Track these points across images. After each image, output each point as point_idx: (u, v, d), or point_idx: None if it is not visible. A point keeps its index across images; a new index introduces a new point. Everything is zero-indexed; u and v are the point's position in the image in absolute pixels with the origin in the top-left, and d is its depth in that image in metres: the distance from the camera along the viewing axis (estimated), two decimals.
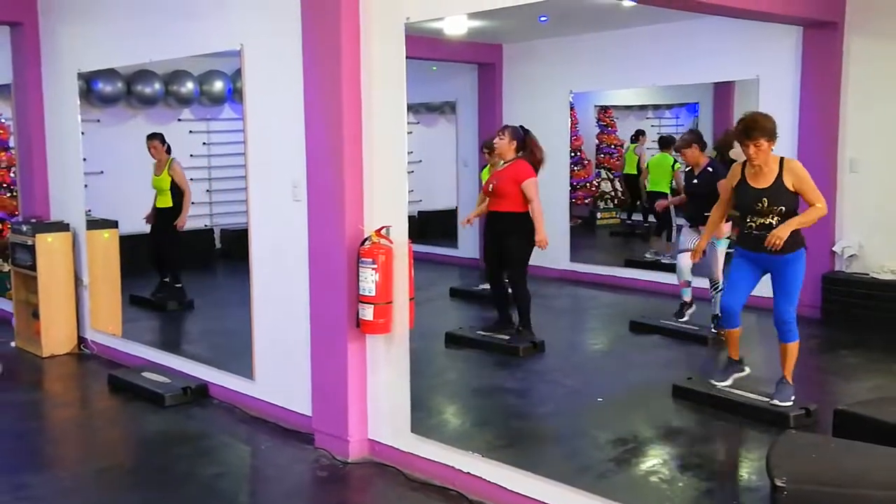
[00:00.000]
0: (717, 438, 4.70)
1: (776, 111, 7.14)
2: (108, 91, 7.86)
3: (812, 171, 6.85)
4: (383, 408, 4.37)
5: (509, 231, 5.98)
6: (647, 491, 3.84)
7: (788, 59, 7.05)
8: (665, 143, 9.34)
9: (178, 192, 7.66)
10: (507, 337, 6.13)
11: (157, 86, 8.14)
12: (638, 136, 10.72)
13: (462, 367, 6.11)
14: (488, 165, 7.54)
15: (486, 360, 6.02)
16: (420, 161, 10.23)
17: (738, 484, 4.05)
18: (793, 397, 4.58)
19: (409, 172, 4.29)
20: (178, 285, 7.75)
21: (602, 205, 11.35)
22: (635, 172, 10.65)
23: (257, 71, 4.95)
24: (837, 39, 6.70)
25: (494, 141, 6.11)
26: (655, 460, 4.26)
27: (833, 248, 6.83)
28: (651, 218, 9.86)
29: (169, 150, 7.70)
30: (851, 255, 6.77)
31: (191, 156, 8.51)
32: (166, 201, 7.66)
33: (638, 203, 10.91)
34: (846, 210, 6.84)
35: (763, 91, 7.32)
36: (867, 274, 6.63)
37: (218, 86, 8.34)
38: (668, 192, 8.43)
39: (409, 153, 4.29)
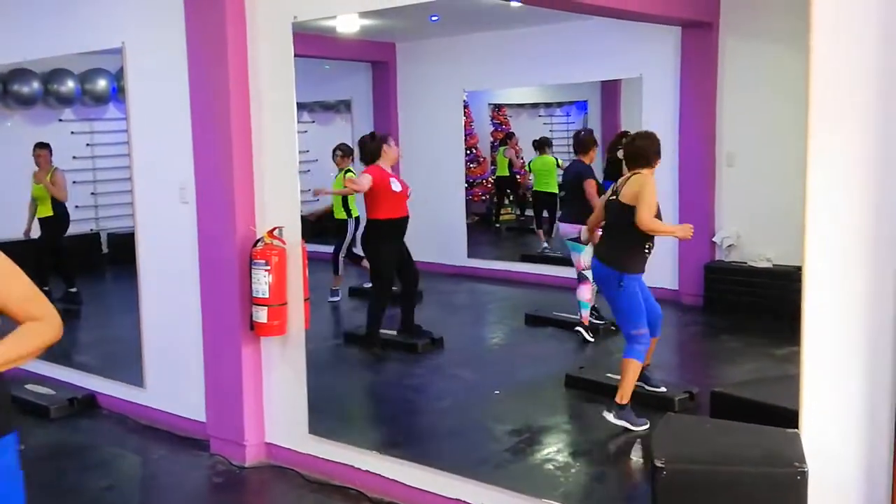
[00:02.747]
0: (607, 425, 4.85)
1: (658, 109, 7.50)
2: None
3: (691, 166, 7.25)
4: (280, 410, 4.33)
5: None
6: (542, 478, 3.95)
7: (669, 58, 7.35)
8: (541, 144, 9.61)
9: (57, 200, 7.48)
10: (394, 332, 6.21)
11: (36, 85, 7.76)
12: (506, 139, 10.98)
13: (361, 365, 6.10)
14: (345, 171, 7.47)
15: (386, 357, 6.04)
16: (317, 160, 10.13)
17: (626, 467, 4.22)
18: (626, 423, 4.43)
19: (305, 171, 4.26)
20: (72, 290, 7.53)
21: (496, 200, 11.54)
22: (507, 174, 10.94)
23: (140, 70, 4.81)
24: (713, 39, 7.03)
25: (390, 149, 6.10)
26: (550, 448, 4.38)
27: (713, 239, 7.17)
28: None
29: None
30: (730, 245, 7.12)
31: (73, 157, 8.17)
32: (47, 210, 7.44)
33: (508, 201, 11.23)
34: (724, 202, 7.18)
35: (646, 89, 7.62)
36: (745, 263, 6.97)
37: (101, 84, 8.01)
38: (556, 191, 8.62)
39: (305, 152, 4.27)
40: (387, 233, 5.96)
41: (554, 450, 4.36)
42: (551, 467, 4.11)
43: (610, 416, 4.43)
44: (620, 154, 7.77)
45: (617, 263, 4.45)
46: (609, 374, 5.11)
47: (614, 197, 4.50)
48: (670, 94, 7.36)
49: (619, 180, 4.58)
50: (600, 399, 4.95)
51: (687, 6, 6.80)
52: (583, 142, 6.33)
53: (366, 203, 5.97)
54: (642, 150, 4.49)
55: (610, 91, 9.60)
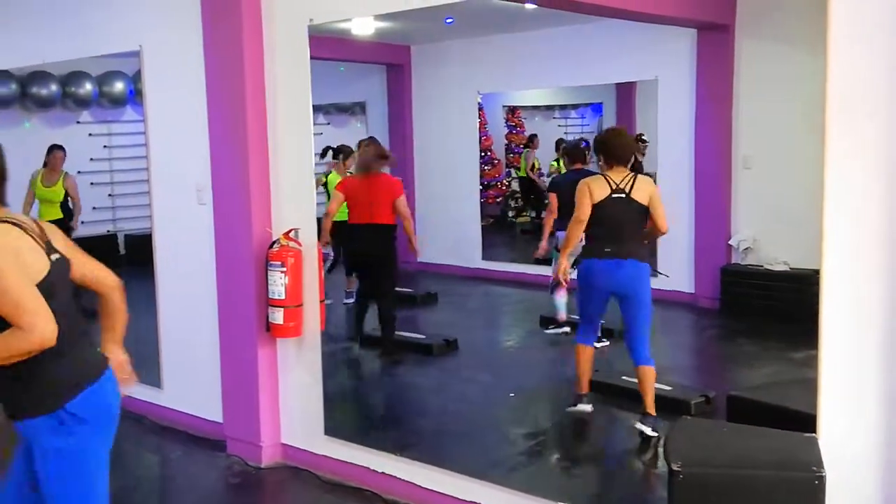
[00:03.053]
0: (622, 428, 4.84)
1: (673, 111, 7.48)
2: (0, 93, 7.54)
3: (707, 168, 7.22)
4: (296, 411, 4.35)
5: None
6: (556, 481, 3.95)
7: (685, 60, 7.33)
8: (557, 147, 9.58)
9: (65, 204, 7.44)
10: (422, 336, 6.18)
11: (54, 87, 7.85)
12: (529, 141, 10.98)
13: (377, 367, 6.12)
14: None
15: (402, 359, 6.05)
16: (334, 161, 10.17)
17: (641, 470, 4.21)
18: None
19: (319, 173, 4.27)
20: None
21: (513, 203, 11.55)
22: (527, 175, 10.97)
23: (158, 72, 4.84)
24: (729, 41, 7.00)
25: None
26: (564, 451, 4.38)
27: (729, 242, 7.14)
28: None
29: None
30: (747, 248, 7.08)
31: (91, 159, 8.25)
32: (55, 213, 7.41)
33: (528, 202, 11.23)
34: (741, 205, 7.14)
35: (662, 91, 7.60)
36: (762, 266, 6.93)
37: (118, 87, 8.09)
38: None
39: (320, 154, 4.27)
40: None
41: (568, 452, 4.36)
42: (565, 470, 4.11)
43: (647, 430, 4.22)
44: (640, 157, 7.74)
45: (646, 260, 4.45)
46: (624, 377, 5.09)
47: (622, 195, 4.28)
48: (686, 96, 7.33)
49: (616, 177, 4.32)
50: (616, 402, 4.95)
51: (703, 8, 6.77)
52: (583, 151, 6.34)
53: (384, 209, 5.76)
54: (629, 149, 4.52)
55: (625, 93, 9.59)
